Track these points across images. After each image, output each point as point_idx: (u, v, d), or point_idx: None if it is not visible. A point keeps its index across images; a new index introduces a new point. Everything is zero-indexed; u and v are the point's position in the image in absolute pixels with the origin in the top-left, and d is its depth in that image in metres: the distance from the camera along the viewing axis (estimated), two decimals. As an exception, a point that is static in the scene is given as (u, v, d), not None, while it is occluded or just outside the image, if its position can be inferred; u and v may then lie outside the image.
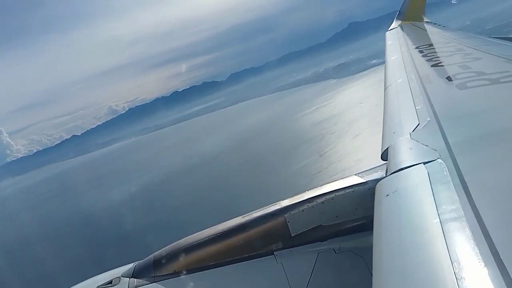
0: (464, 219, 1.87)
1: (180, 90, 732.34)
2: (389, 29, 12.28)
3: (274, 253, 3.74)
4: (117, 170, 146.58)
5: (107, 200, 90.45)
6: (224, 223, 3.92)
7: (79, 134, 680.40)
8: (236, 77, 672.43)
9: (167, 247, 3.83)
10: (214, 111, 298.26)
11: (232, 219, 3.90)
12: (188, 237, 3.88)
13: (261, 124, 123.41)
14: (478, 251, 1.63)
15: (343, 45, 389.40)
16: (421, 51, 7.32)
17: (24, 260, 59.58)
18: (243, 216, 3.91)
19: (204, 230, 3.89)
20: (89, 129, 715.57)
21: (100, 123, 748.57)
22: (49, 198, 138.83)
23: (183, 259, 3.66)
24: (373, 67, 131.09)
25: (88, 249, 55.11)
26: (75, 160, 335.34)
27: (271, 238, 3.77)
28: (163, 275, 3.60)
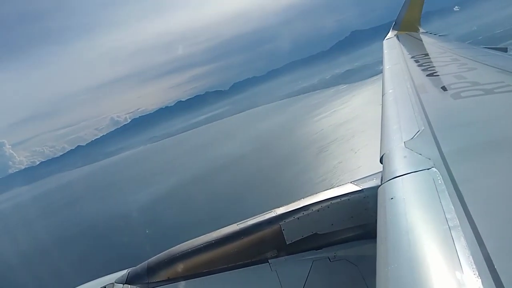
0: (459, 228, 1.87)
1: (184, 100, 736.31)
2: (386, 38, 12.29)
3: (269, 261, 3.73)
4: (132, 176, 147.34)
5: (128, 204, 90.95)
6: (219, 230, 3.91)
7: (84, 145, 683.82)
8: (239, 86, 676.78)
9: (161, 253, 3.83)
10: (222, 119, 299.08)
11: (227, 227, 3.90)
12: (183, 244, 3.86)
13: (280, 127, 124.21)
14: (472, 261, 1.64)
15: (346, 53, 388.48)
16: (416, 61, 7.42)
17: (39, 269, 60.36)
18: (238, 223, 3.90)
19: (199, 237, 3.89)
20: (93, 139, 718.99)
21: (105, 134, 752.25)
22: (64, 205, 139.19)
23: (177, 266, 3.67)
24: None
25: (108, 256, 55.35)
26: (84, 168, 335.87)
27: (266, 246, 3.77)
28: (156, 282, 3.62)
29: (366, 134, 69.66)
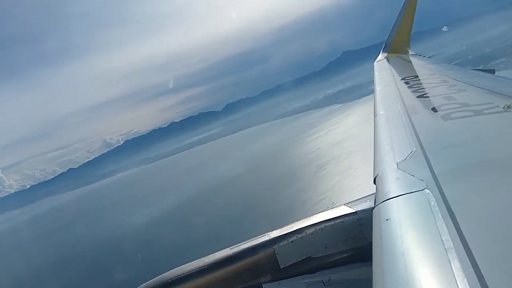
0: (453, 250, 1.86)
1: (177, 121, 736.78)
2: (376, 60, 12.49)
3: (263, 285, 3.70)
4: (126, 198, 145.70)
5: (122, 227, 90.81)
6: (212, 255, 3.85)
7: (76, 167, 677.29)
8: (232, 107, 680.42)
9: (153, 279, 3.77)
10: (216, 139, 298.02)
11: (220, 251, 3.85)
12: (175, 269, 3.80)
13: (275, 147, 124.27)
14: (467, 283, 1.63)
15: (338, 73, 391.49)
16: (406, 82, 7.48)
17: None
18: (231, 247, 3.85)
19: (192, 262, 3.82)
20: (85, 162, 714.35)
21: (97, 156, 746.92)
22: (56, 228, 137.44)
23: None
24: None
25: (100, 281, 55.36)
26: (77, 191, 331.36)
27: (260, 270, 3.73)
28: None
29: (363, 152, 69.88)
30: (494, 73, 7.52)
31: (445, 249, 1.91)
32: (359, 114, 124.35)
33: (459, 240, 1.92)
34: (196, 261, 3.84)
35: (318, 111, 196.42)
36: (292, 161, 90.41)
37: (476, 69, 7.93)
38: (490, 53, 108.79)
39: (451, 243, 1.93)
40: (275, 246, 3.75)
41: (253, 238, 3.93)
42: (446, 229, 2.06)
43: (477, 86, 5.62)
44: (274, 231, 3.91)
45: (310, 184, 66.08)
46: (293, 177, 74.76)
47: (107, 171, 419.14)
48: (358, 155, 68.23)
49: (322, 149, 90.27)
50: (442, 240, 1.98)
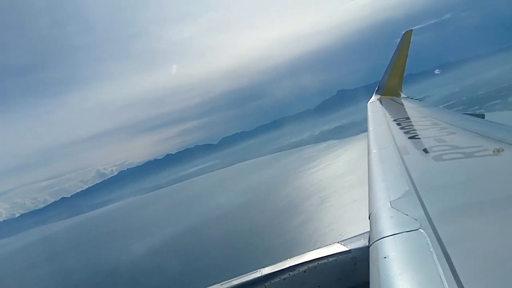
0: None
1: (173, 153, 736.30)
2: (369, 102, 12.76)
3: None
4: (121, 228, 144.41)
5: (116, 258, 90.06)
6: None
7: (69, 196, 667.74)
8: (228, 140, 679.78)
9: None
10: (213, 171, 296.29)
11: (210, 287, 3.72)
12: None
13: (275, 179, 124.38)
14: None
15: (333, 111, 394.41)
16: (398, 124, 7.61)
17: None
18: (221, 283, 3.73)
19: None
20: (78, 191, 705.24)
21: (90, 186, 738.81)
22: (47, 258, 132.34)
23: None
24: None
25: None
26: (69, 220, 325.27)
27: None
28: None
29: (366, 186, 70.98)
30: (484, 117, 7.79)
31: None
32: (358, 149, 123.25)
33: (454, 281, 1.94)
34: None
35: (315, 146, 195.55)
36: (294, 193, 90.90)
37: (466, 113, 8.19)
38: (484, 95, 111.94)
39: (447, 285, 1.94)
40: (267, 283, 3.62)
41: (244, 275, 3.78)
42: (441, 270, 2.06)
43: (467, 130, 5.79)
44: (266, 268, 3.78)
45: (315, 216, 66.83)
46: (297, 208, 75.54)
47: (101, 200, 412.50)
48: (362, 188, 67.76)
49: (324, 182, 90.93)
50: (437, 281, 1.99)
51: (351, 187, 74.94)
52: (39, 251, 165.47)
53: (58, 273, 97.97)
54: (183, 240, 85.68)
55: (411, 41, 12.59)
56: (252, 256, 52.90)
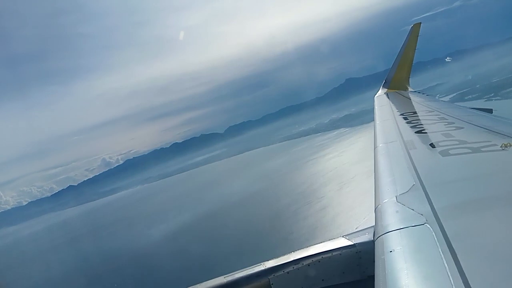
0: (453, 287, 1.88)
1: (180, 142, 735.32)
2: (376, 95, 12.70)
3: None
4: (130, 216, 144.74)
5: (124, 246, 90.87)
6: (205, 283, 3.76)
7: (76, 185, 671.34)
8: (235, 129, 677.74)
9: None
10: (221, 159, 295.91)
11: (213, 279, 3.75)
12: None
13: (288, 166, 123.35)
14: None
15: (343, 99, 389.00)
16: (405, 118, 7.60)
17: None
18: (225, 276, 3.75)
19: None
20: (85, 180, 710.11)
21: (96, 174, 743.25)
22: (57, 245, 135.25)
23: None
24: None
25: None
26: (78, 208, 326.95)
27: None
28: None
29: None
30: (492, 112, 7.80)
31: (445, 286, 1.92)
32: (372, 136, 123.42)
33: (459, 277, 1.94)
34: None
35: (325, 134, 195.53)
36: (310, 179, 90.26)
37: (474, 108, 8.20)
38: (498, 82, 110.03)
39: (451, 280, 1.94)
40: (271, 277, 3.64)
41: (248, 268, 3.81)
42: (446, 265, 2.07)
43: (475, 125, 5.76)
44: (270, 261, 3.80)
45: (335, 201, 65.97)
46: (316, 194, 74.83)
47: (108, 189, 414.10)
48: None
49: (340, 168, 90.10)
50: (443, 276, 1.99)
51: (370, 173, 73.79)
52: (52, 236, 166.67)
53: (75, 258, 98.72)
54: (200, 226, 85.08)
55: (419, 34, 12.48)
56: (274, 240, 52.17)
